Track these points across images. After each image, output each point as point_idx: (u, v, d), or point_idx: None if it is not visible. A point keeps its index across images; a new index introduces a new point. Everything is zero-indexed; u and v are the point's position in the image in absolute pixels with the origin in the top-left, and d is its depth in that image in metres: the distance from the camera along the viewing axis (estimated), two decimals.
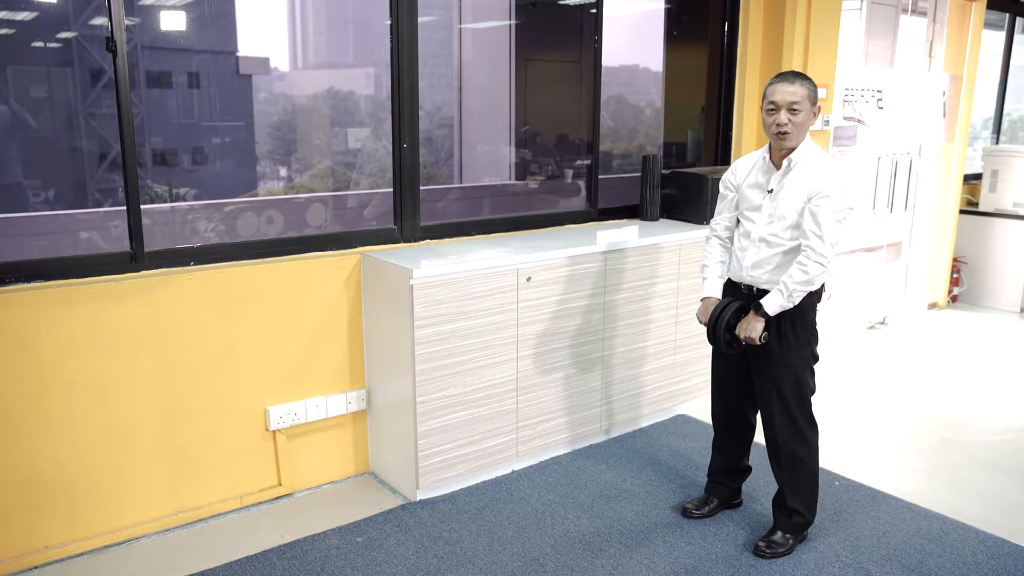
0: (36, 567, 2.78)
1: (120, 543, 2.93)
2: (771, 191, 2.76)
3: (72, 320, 2.74)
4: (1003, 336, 5.70)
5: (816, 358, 2.87)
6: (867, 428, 4.05)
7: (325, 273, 3.26)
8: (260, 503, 3.23)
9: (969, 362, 5.11)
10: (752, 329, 2.73)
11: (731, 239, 2.97)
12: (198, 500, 3.10)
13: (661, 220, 4.30)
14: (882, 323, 5.94)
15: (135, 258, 2.89)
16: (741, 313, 2.81)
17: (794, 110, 2.66)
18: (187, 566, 2.79)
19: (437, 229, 3.64)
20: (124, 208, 2.88)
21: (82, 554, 2.86)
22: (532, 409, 3.50)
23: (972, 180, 6.73)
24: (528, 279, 3.34)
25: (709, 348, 4.33)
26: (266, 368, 3.17)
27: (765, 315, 2.71)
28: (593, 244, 3.57)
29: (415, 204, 3.50)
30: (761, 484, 3.32)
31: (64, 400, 2.76)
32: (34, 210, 4.52)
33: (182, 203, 4.73)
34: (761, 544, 2.89)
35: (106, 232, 4.13)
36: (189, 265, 2.99)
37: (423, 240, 3.58)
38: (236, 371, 3.10)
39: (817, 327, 2.86)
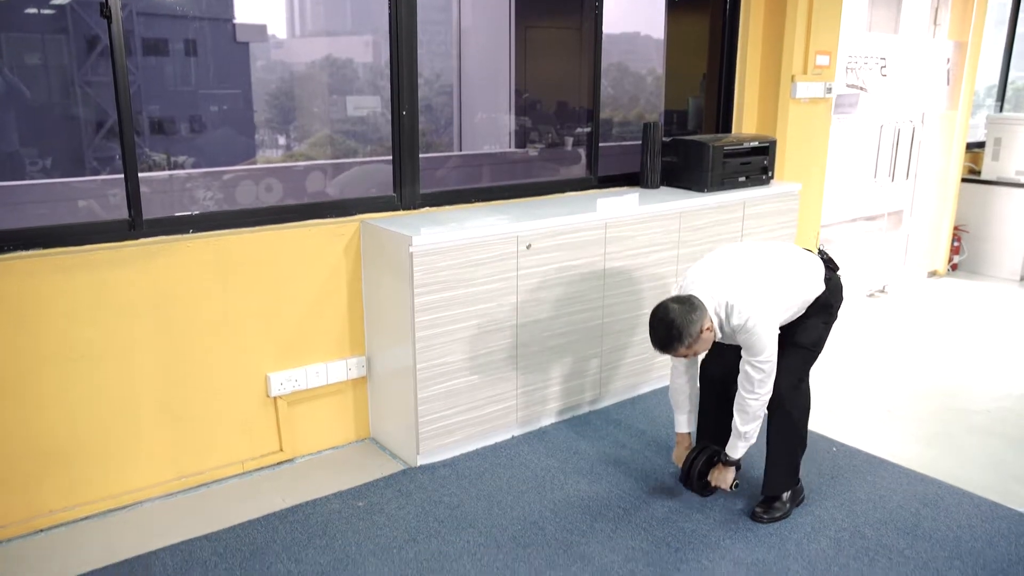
0: (42, 530, 2.82)
1: (124, 507, 2.97)
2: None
3: (71, 288, 2.74)
4: (1003, 304, 5.71)
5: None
6: (866, 395, 4.07)
7: (324, 240, 3.26)
8: (262, 468, 3.25)
9: (969, 330, 5.12)
10: (723, 480, 2.87)
11: (695, 368, 2.98)
12: (200, 465, 3.13)
13: (662, 188, 4.28)
14: (882, 291, 5.94)
15: (134, 226, 2.89)
16: (714, 459, 2.93)
17: (685, 355, 2.70)
18: (191, 529, 2.82)
19: (437, 196, 3.63)
20: (122, 176, 2.86)
21: (87, 518, 2.90)
22: (532, 376, 3.51)
23: (975, 148, 6.69)
24: (528, 247, 3.34)
25: None
26: (266, 335, 3.18)
27: (734, 464, 2.84)
28: (593, 212, 3.57)
29: (415, 171, 3.49)
30: (759, 452, 3.34)
31: (65, 367, 2.77)
32: (31, 178, 4.50)
33: (180, 171, 4.71)
34: (758, 509, 2.91)
35: (104, 200, 4.12)
36: (188, 233, 2.99)
37: (422, 207, 3.57)
38: (236, 338, 3.11)
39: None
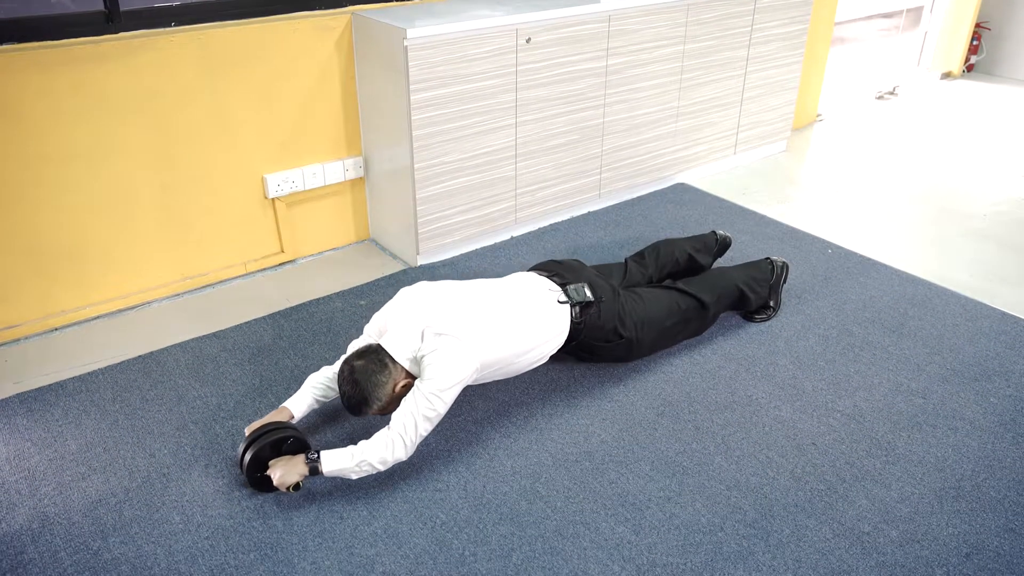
0: (56, 329, 2.90)
1: (133, 307, 3.04)
2: None
3: (54, 86, 2.63)
4: (1015, 107, 5.56)
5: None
6: (865, 198, 4.06)
7: (314, 34, 3.09)
8: (264, 269, 3.30)
9: (976, 133, 5.02)
10: (282, 475, 2.09)
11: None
12: (204, 267, 3.17)
13: None
14: (892, 93, 5.76)
15: (111, 18, 2.72)
16: (295, 447, 2.17)
17: (384, 414, 2.21)
18: (199, 328, 2.91)
19: None
20: None
21: (98, 317, 2.98)
22: (531, 176, 3.48)
23: None
24: (527, 40, 3.18)
25: (711, 116, 4.25)
26: (260, 135, 3.11)
27: (316, 472, 2.10)
28: (596, 3, 3.37)
29: None
30: (746, 252, 3.38)
31: (58, 169, 2.73)
32: None
33: None
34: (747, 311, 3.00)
35: None
36: (170, 26, 2.83)
37: None
38: (229, 138, 3.04)
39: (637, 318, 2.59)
